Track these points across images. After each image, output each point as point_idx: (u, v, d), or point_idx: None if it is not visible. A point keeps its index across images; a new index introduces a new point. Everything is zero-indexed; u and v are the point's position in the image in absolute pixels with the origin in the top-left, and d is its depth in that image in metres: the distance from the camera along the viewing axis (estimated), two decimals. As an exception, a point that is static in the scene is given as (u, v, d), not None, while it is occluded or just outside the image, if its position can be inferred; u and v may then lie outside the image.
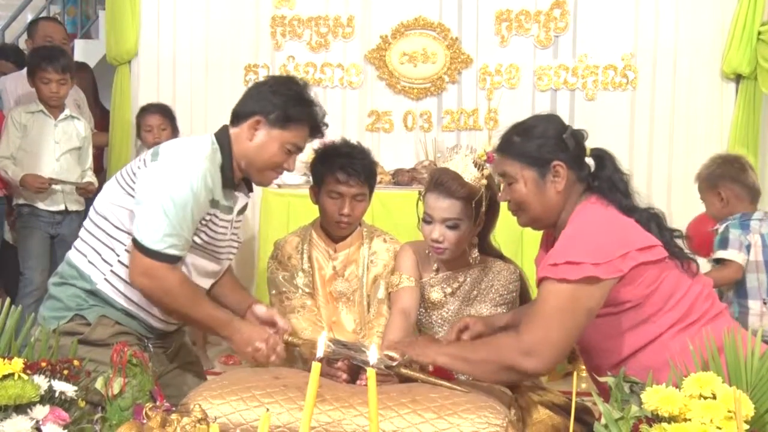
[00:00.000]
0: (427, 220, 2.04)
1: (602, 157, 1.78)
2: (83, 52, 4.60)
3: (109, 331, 1.87)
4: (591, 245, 1.62)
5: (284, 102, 1.91)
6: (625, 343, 1.69)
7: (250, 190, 2.08)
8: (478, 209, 2.02)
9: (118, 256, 1.92)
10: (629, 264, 1.60)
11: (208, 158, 1.89)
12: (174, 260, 1.85)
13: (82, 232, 2.00)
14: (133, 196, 1.88)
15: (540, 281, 1.68)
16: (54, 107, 3.46)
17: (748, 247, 2.63)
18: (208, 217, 1.91)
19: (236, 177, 1.95)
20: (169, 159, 1.87)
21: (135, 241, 1.85)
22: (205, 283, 2.01)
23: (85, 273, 1.93)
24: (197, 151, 1.90)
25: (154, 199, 1.82)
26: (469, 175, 2.01)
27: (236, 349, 1.88)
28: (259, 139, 1.91)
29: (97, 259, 1.94)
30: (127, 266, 1.90)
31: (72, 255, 1.99)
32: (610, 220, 1.69)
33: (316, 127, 1.95)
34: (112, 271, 1.92)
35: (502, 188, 1.80)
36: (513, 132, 1.81)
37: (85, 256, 1.96)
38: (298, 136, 1.91)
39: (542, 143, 1.74)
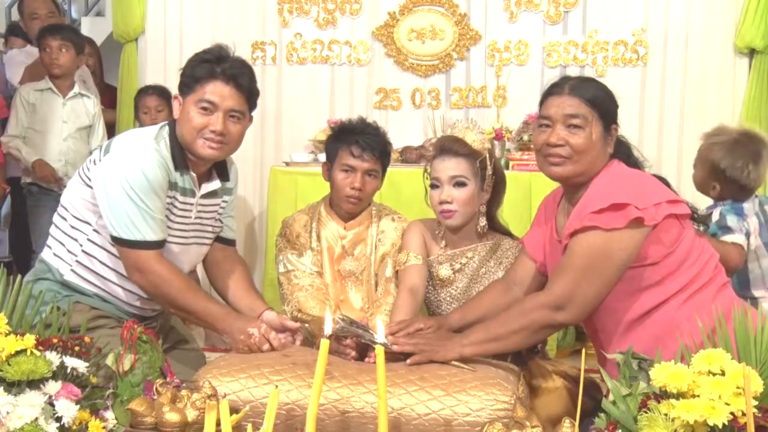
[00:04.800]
0: (434, 185, 2.07)
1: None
2: (90, 29, 4.58)
3: (85, 316, 1.87)
4: (630, 191, 1.67)
5: (186, 69, 1.95)
6: (634, 305, 1.72)
7: (224, 178, 2.07)
8: (484, 171, 2.05)
9: (81, 246, 1.95)
10: (662, 213, 1.65)
11: (155, 140, 1.91)
12: (156, 245, 1.87)
13: (50, 227, 2.03)
14: (90, 186, 1.90)
15: (574, 233, 1.69)
16: (58, 78, 3.43)
17: (747, 235, 2.47)
18: (168, 200, 1.92)
19: (189, 159, 1.95)
20: (118, 150, 1.89)
21: (114, 239, 1.87)
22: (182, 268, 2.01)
23: (52, 266, 1.97)
24: (144, 135, 1.93)
25: (114, 192, 1.84)
26: (471, 138, 2.06)
27: (232, 342, 1.87)
28: (180, 112, 1.93)
29: (62, 251, 1.97)
30: (91, 255, 1.94)
31: (43, 251, 2.03)
32: (639, 174, 1.78)
33: (222, 74, 1.89)
34: (77, 261, 1.95)
35: (556, 128, 1.76)
36: (591, 81, 1.83)
37: (51, 248, 2.00)
38: (205, 92, 1.88)
39: (613, 103, 1.79)
